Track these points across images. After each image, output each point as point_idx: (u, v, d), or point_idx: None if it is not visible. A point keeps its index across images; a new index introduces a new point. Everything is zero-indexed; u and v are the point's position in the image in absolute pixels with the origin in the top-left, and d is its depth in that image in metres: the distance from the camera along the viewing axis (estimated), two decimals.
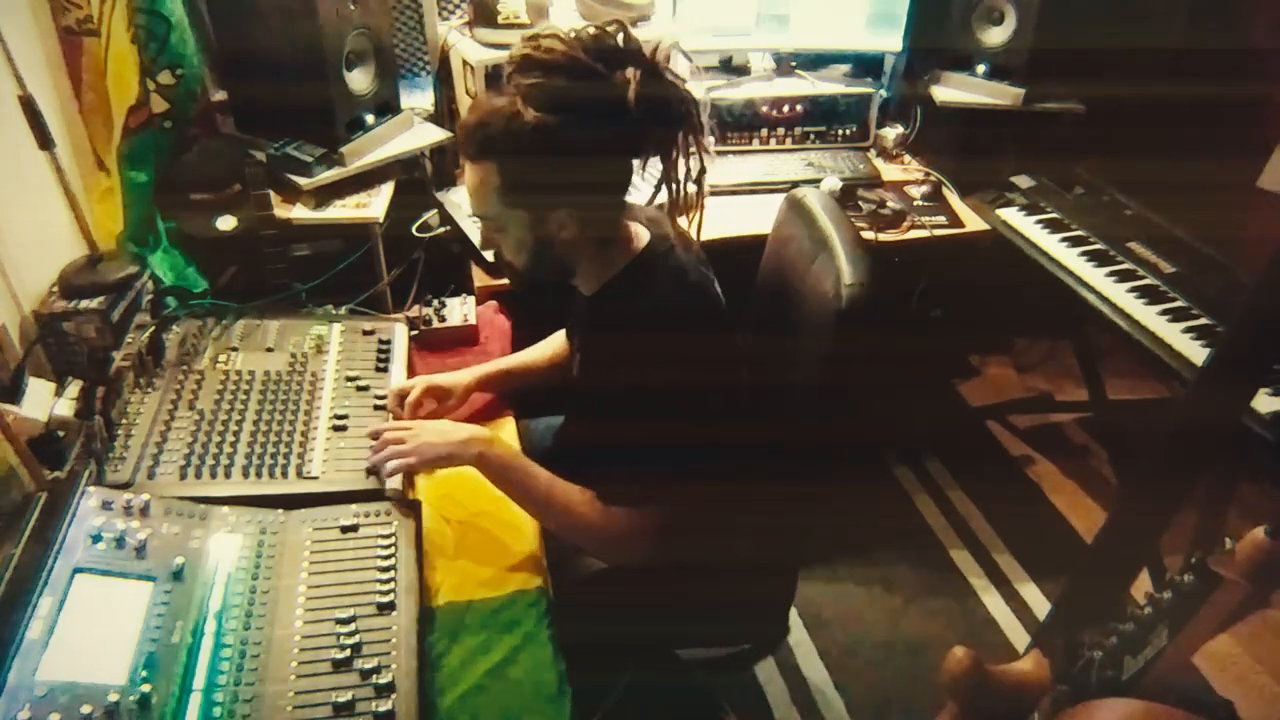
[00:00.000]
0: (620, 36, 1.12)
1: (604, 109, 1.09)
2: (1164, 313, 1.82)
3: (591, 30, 1.11)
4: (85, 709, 0.85)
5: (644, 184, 1.23)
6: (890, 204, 2.15)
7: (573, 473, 1.26)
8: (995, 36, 2.29)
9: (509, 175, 1.13)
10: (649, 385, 1.12)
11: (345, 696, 0.94)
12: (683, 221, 1.26)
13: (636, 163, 1.19)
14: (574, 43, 1.10)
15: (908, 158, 2.42)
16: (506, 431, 1.47)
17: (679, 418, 1.10)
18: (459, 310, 1.67)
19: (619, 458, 1.15)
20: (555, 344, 1.56)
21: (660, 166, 1.18)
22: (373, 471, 1.24)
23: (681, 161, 1.17)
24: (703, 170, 1.19)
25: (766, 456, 1.22)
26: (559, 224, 1.17)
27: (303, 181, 1.85)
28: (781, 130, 2.33)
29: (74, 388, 1.29)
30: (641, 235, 1.26)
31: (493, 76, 2.06)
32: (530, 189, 1.14)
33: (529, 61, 1.09)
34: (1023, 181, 2.28)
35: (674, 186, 1.19)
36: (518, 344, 1.65)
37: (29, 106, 1.36)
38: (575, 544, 1.32)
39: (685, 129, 1.16)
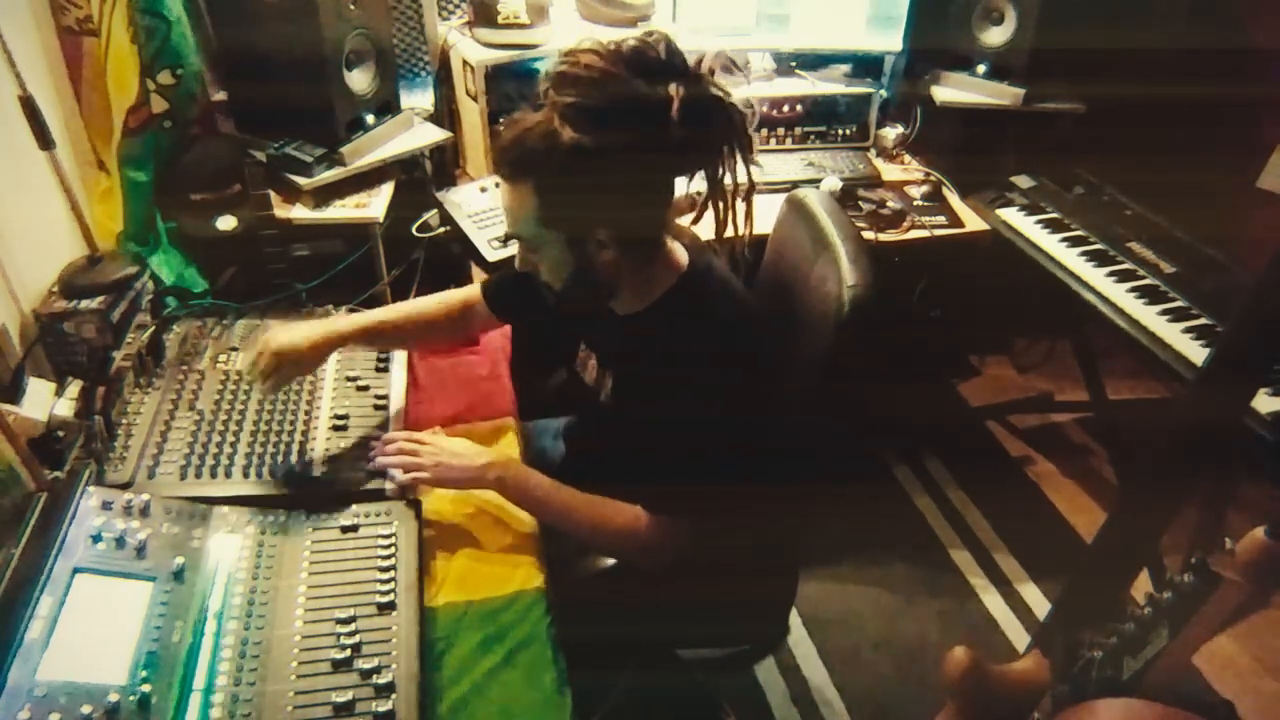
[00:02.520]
0: (663, 47, 1.06)
1: (645, 127, 1.03)
2: (1164, 313, 1.82)
3: (632, 42, 1.06)
4: (85, 709, 0.85)
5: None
6: (890, 204, 2.15)
7: (593, 483, 1.25)
8: (995, 36, 2.29)
9: (546, 195, 1.08)
10: (697, 406, 1.11)
11: (345, 696, 0.94)
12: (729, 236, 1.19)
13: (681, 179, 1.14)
14: (612, 56, 1.04)
15: (908, 158, 2.42)
16: (506, 430, 1.46)
17: (725, 436, 1.09)
18: None
19: (650, 471, 1.15)
20: (433, 300, 1.46)
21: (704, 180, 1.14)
22: (375, 471, 1.23)
23: (728, 178, 1.12)
24: (751, 187, 1.13)
25: (773, 458, 1.22)
26: (597, 246, 1.12)
27: (303, 181, 1.85)
28: (781, 130, 2.33)
29: (74, 388, 1.29)
30: (680, 253, 1.22)
31: (493, 76, 2.07)
32: (568, 209, 1.09)
33: (565, 78, 1.04)
34: (1023, 181, 2.28)
35: (720, 205, 1.14)
36: (518, 344, 1.65)
37: (29, 106, 1.36)
38: (606, 553, 1.32)
39: (732, 145, 1.11)
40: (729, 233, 1.17)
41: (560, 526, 1.26)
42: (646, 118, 1.03)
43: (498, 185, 1.25)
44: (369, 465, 1.24)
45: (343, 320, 1.37)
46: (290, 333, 1.28)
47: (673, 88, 1.04)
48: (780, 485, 1.21)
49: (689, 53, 1.09)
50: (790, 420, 1.26)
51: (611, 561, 1.34)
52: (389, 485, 1.22)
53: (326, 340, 1.31)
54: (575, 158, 1.02)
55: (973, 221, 2.17)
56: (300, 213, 1.88)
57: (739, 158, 1.12)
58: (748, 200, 1.15)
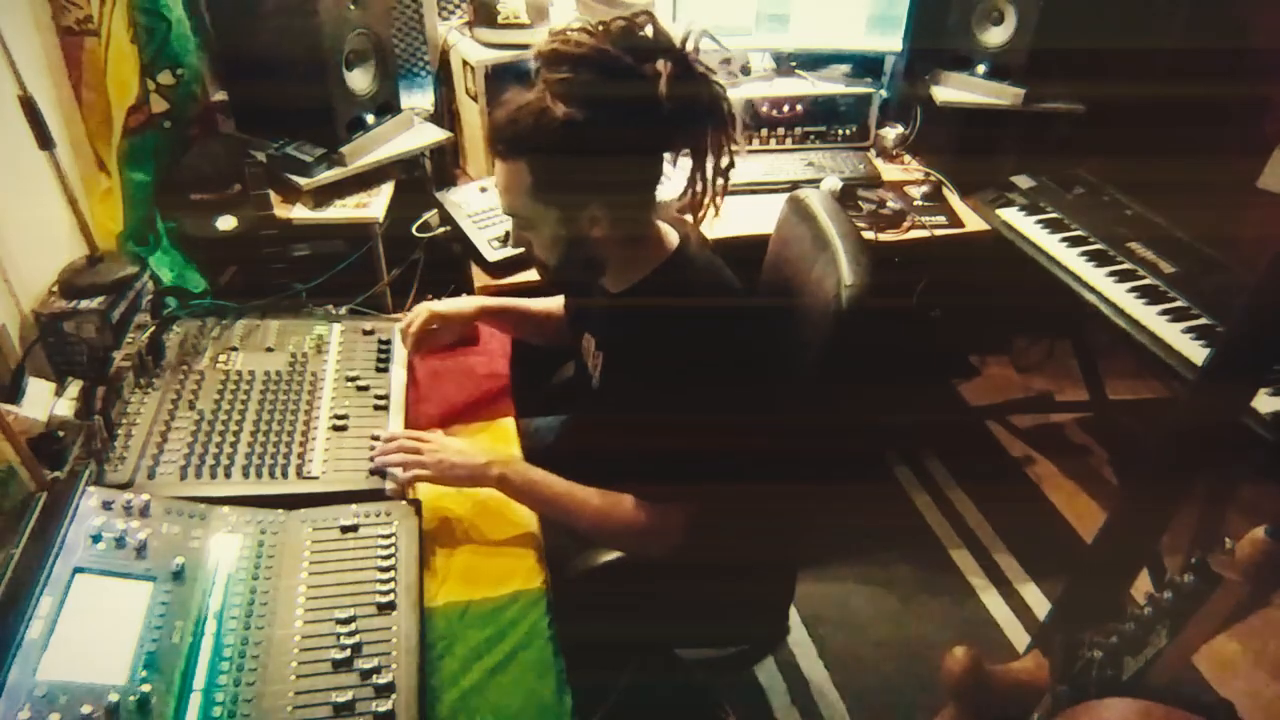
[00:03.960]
0: (650, 28, 1.10)
1: (634, 103, 1.07)
2: (1164, 313, 1.82)
3: (620, 22, 1.10)
4: (85, 709, 0.85)
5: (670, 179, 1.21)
6: (890, 204, 2.15)
7: (585, 471, 1.26)
8: (995, 36, 2.29)
9: (539, 172, 1.12)
10: (680, 384, 1.13)
11: (345, 696, 0.94)
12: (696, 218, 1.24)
13: (668, 157, 1.18)
14: (602, 35, 1.08)
15: (908, 158, 2.42)
16: (506, 430, 1.46)
17: (710, 418, 1.10)
18: None
19: (641, 456, 1.15)
20: (557, 302, 1.57)
21: (688, 161, 1.18)
22: (377, 471, 1.23)
23: (710, 158, 1.16)
24: (730, 165, 1.17)
25: (772, 455, 1.22)
26: (590, 221, 1.16)
27: (303, 181, 1.85)
28: (781, 130, 2.33)
29: (74, 388, 1.29)
30: (671, 234, 1.26)
31: (493, 76, 2.07)
32: (561, 186, 1.14)
33: (557, 56, 1.08)
34: (1023, 181, 2.28)
35: (700, 183, 1.18)
36: (517, 343, 1.65)
37: (29, 106, 1.36)
38: (609, 545, 1.32)
39: (716, 123, 1.14)
40: (707, 213, 1.22)
41: (563, 522, 1.26)
42: (636, 94, 1.07)
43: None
44: (371, 465, 1.24)
45: (488, 299, 1.59)
46: (447, 301, 1.52)
47: (660, 64, 1.07)
48: (770, 475, 1.21)
49: (674, 33, 1.12)
50: (778, 412, 1.26)
51: (610, 558, 1.34)
52: (389, 485, 1.22)
53: (475, 309, 1.54)
54: (567, 133, 1.07)
55: (973, 221, 2.17)
56: (300, 213, 1.88)
57: (723, 138, 1.15)
58: (725, 180, 1.19)
